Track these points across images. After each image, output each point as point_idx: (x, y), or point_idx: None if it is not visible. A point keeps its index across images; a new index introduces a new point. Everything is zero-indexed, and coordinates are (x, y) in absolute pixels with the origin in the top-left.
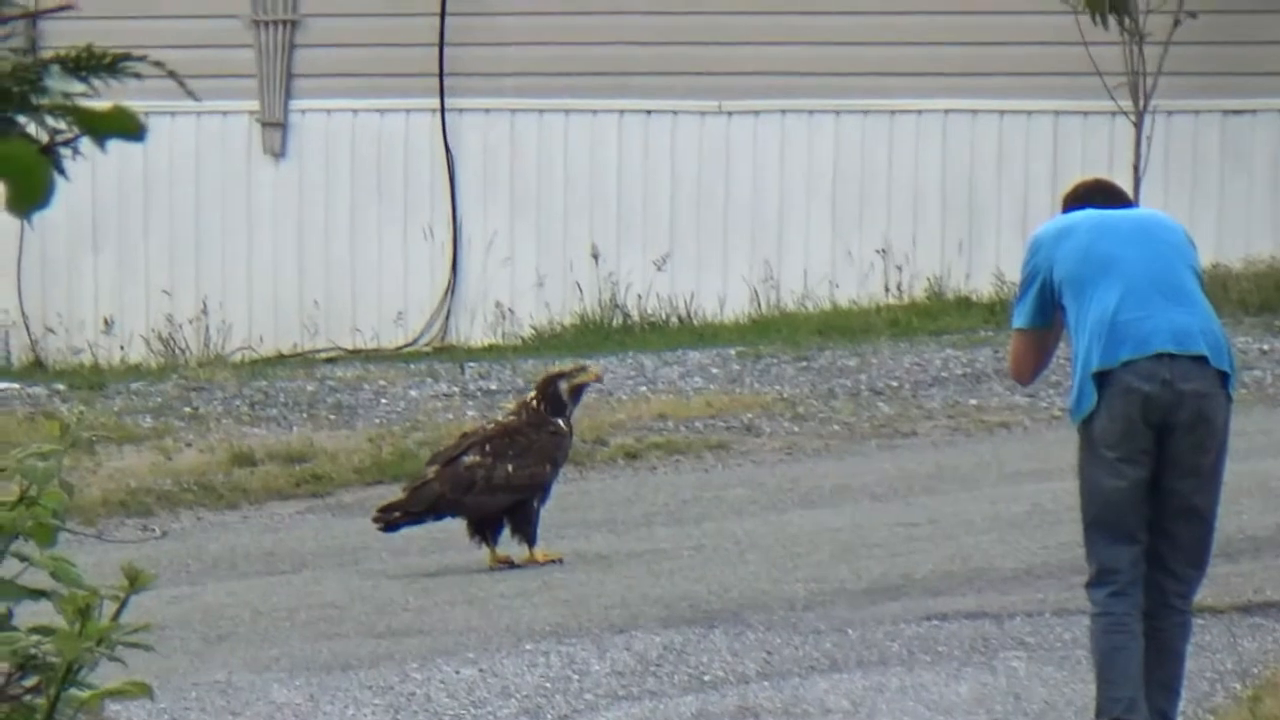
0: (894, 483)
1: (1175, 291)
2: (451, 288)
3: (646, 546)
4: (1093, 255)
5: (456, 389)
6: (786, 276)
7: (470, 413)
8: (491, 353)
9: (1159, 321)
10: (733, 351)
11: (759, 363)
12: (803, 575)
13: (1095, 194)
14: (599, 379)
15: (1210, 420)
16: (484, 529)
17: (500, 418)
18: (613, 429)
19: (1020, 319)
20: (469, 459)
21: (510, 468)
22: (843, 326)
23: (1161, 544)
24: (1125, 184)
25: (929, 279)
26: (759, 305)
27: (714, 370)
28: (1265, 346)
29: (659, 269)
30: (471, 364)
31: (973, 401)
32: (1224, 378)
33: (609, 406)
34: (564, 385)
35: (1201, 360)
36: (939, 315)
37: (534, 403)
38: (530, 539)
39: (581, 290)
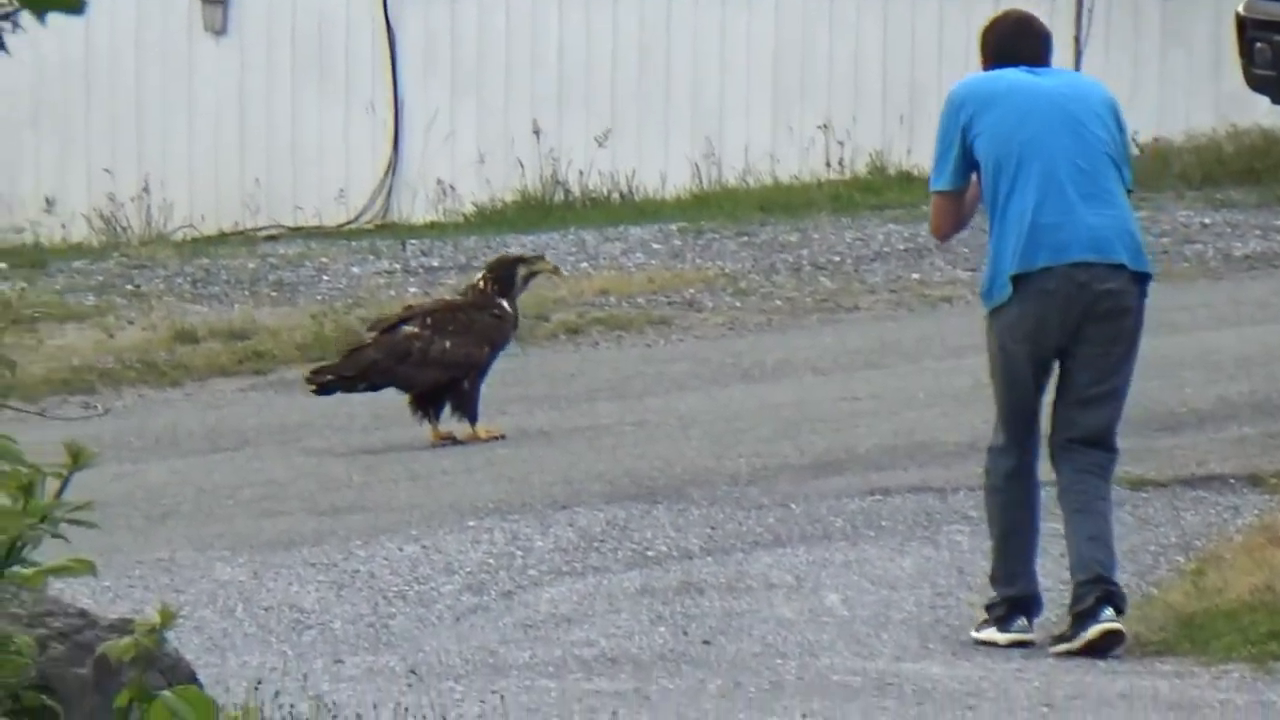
0: (836, 357)
1: (1095, 190)
2: (393, 165)
3: (589, 422)
4: (1014, 138)
5: (398, 266)
6: (728, 153)
7: (412, 289)
8: (433, 230)
9: (1078, 227)
10: (674, 227)
11: (701, 238)
12: (746, 450)
13: (1021, 40)
14: (557, 273)
15: (1120, 319)
16: (425, 405)
17: (447, 296)
18: (555, 305)
19: (939, 181)
20: (408, 329)
21: (448, 344)
22: (784, 202)
23: (1065, 426)
24: (1066, 58)
25: (870, 154)
26: (700, 181)
27: (656, 246)
28: (1206, 220)
29: (600, 145)
30: (413, 241)
31: (915, 276)
32: (1141, 279)
33: (551, 282)
34: (522, 270)
35: (1119, 266)
36: (881, 190)
37: (482, 283)
38: (471, 416)
39: (523, 167)
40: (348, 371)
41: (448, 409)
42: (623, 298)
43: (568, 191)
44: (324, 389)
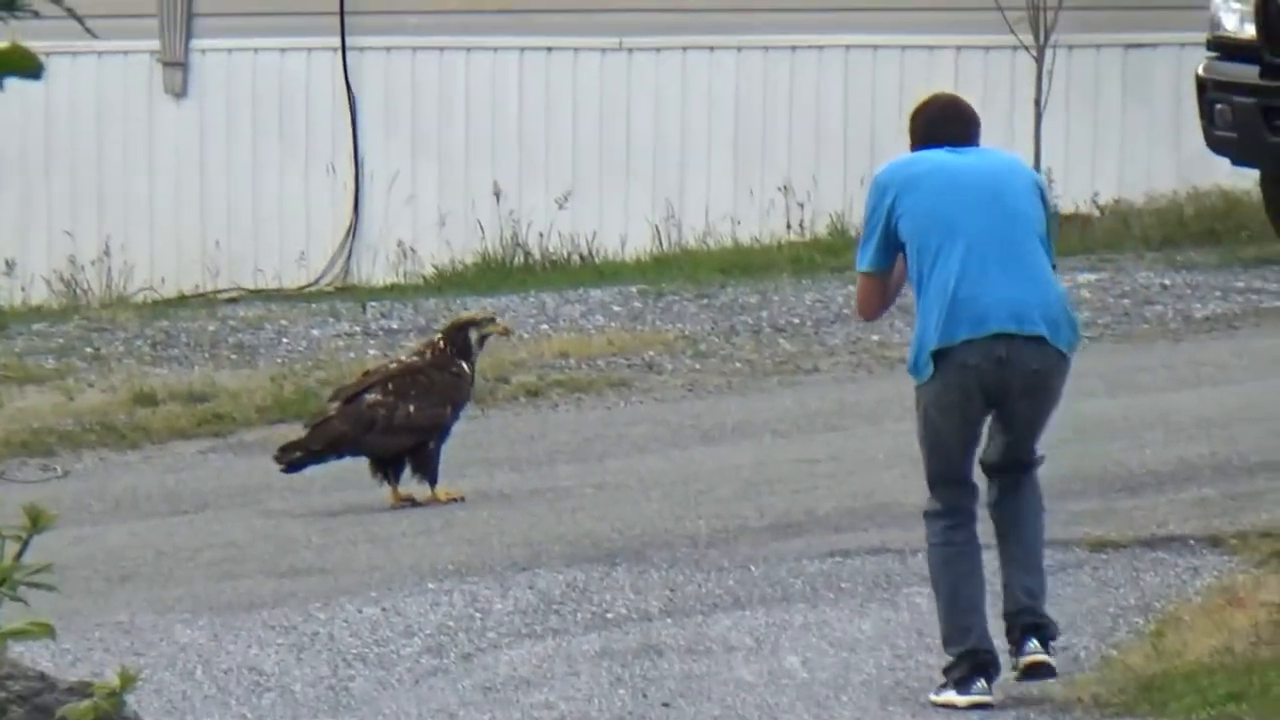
0: (796, 419)
1: (1017, 263)
2: (353, 228)
3: (549, 484)
4: (937, 216)
5: (358, 328)
6: (688, 214)
7: (372, 351)
8: (393, 292)
9: (997, 299)
10: (634, 289)
11: (661, 300)
12: (706, 512)
13: (947, 124)
14: (508, 334)
15: (1043, 391)
16: (385, 468)
17: (404, 357)
18: (514, 367)
19: (863, 262)
20: (371, 397)
21: (412, 408)
22: (745, 264)
23: (992, 454)
24: (1027, 120)
25: (831, 215)
26: (661, 243)
27: (616, 308)
28: (1166, 281)
29: (561, 207)
30: (373, 303)
31: (874, 338)
32: (1062, 352)
33: (510, 345)
34: (474, 334)
35: (1039, 339)
36: (841, 252)
37: (440, 344)
38: (431, 478)
39: (483, 229)
40: (315, 445)
41: (407, 471)
42: (583, 360)
43: (528, 254)
44: (293, 466)
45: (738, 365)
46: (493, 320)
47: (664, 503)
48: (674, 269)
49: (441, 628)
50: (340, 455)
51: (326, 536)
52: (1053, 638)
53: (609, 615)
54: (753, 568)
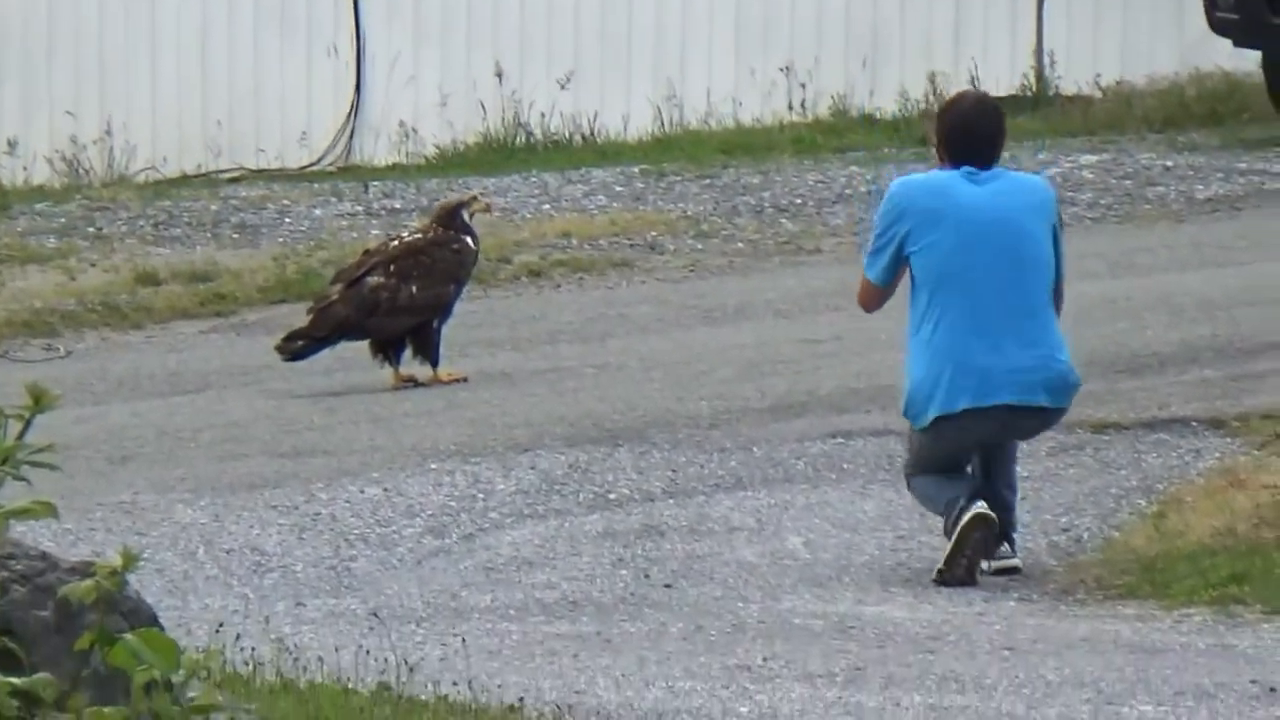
0: (798, 300)
1: (1028, 326)
2: (355, 108)
3: (550, 365)
4: (952, 267)
5: (360, 208)
6: (690, 95)
7: (374, 232)
8: (395, 172)
9: (1005, 370)
10: (636, 170)
11: (663, 181)
12: (707, 393)
13: (973, 140)
14: (489, 210)
15: (1037, 435)
16: (386, 349)
17: (406, 235)
18: (516, 247)
19: (871, 271)
20: (373, 280)
21: (414, 289)
22: (746, 144)
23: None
24: (1030, 8)
25: (833, 97)
26: (662, 124)
27: (618, 189)
28: (1168, 163)
29: (562, 88)
30: (375, 183)
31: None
32: (1061, 408)
33: (513, 225)
34: (464, 214)
35: (1041, 408)
36: (843, 133)
37: (437, 227)
38: (434, 359)
39: (485, 109)
40: (319, 332)
41: (408, 351)
42: (584, 240)
43: (529, 134)
44: (297, 355)
45: (739, 245)
46: (475, 199)
47: (666, 383)
48: (676, 149)
49: (443, 508)
50: (343, 339)
51: (328, 417)
52: (1004, 522)
53: (611, 496)
54: (754, 449)
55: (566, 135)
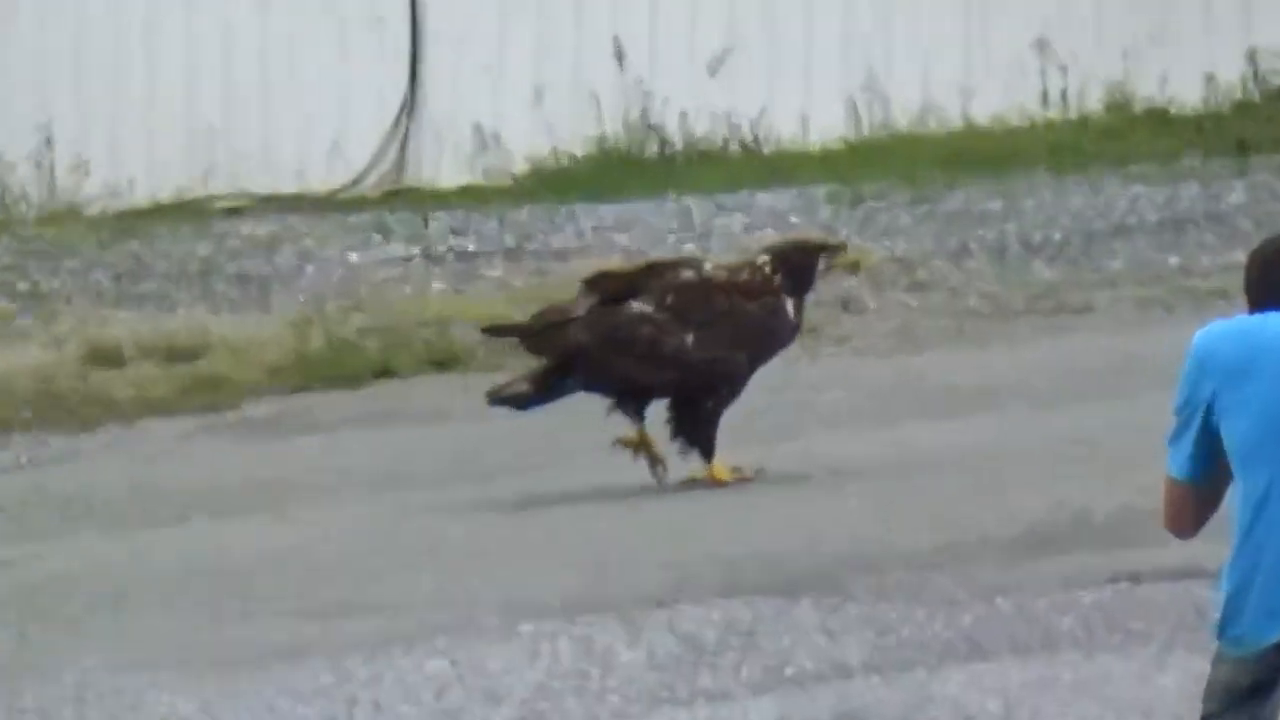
0: (1059, 381)
1: None
2: (409, 105)
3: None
4: (1273, 427)
5: (417, 250)
6: (898, 83)
7: (437, 285)
8: (468, 197)
9: None
10: (821, 192)
11: (859, 207)
12: (927, 518)
13: None
14: (858, 269)
15: None
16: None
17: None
18: None
19: (1175, 465)
20: (638, 306)
21: (690, 338)
22: (982, 154)
23: None
24: None
25: (1108, 84)
26: (859, 125)
27: (793, 219)
28: None
29: (711, 74)
30: (439, 214)
31: (1173, 260)
32: None
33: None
34: (822, 262)
35: None
36: (1123, 134)
37: (766, 267)
38: (704, 445)
39: (600, 105)
40: (553, 358)
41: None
42: None
43: (664, 140)
44: (524, 402)
45: (972, 301)
46: (843, 247)
47: (866, 502)
48: (878, 162)
49: (541, 691)
50: (571, 384)
51: (373, 555)
52: None
53: (788, 671)
54: (998, 599)
55: (719, 141)
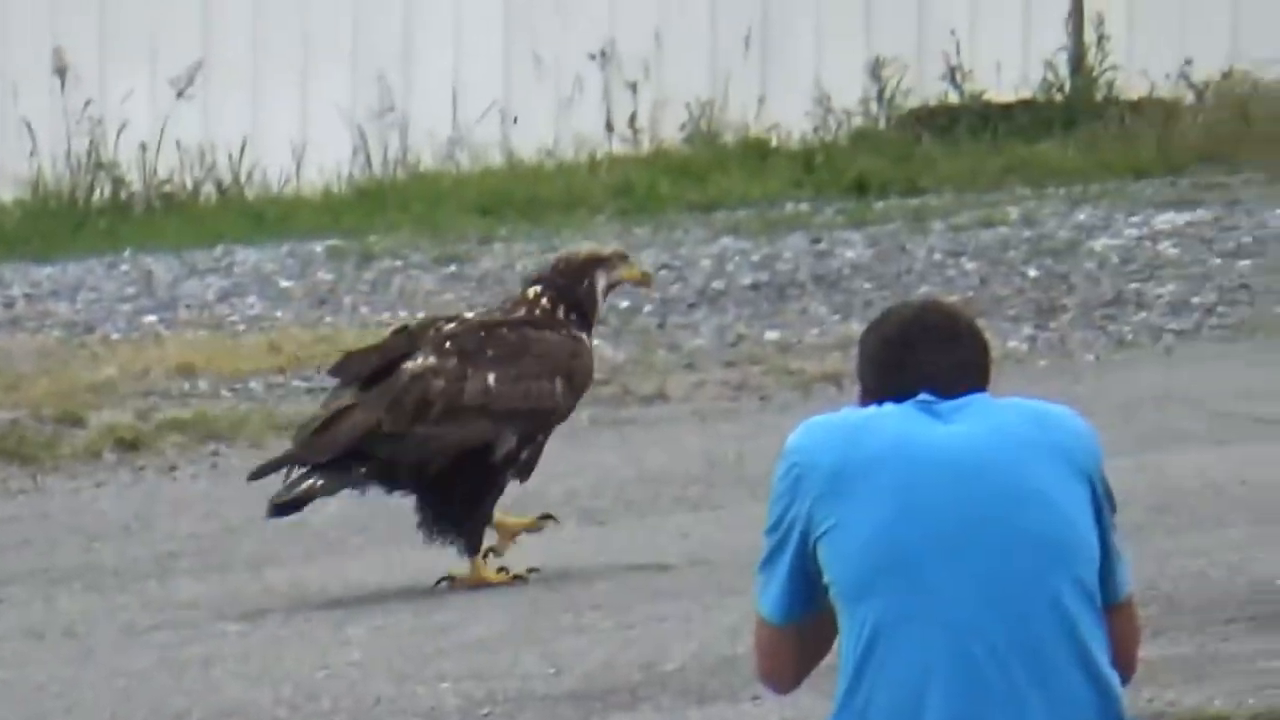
0: (624, 493)
1: (1042, 672)
2: None
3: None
4: (887, 557)
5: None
6: (419, 101)
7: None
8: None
9: None
10: (319, 247)
11: (368, 268)
12: None
13: (921, 350)
14: (648, 283)
15: None
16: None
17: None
18: (93, 395)
19: (766, 602)
20: (416, 364)
21: (491, 378)
22: (523, 197)
23: None
24: None
25: (688, 106)
26: (368, 158)
27: (284, 283)
28: None
29: (179, 93)
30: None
31: (771, 335)
32: None
33: (87, 353)
34: (602, 280)
35: None
36: (706, 173)
37: (544, 299)
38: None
39: (34, 137)
40: (329, 453)
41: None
42: (223, 380)
43: (119, 181)
44: (287, 507)
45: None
46: (623, 258)
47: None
48: (394, 207)
49: None
50: (365, 476)
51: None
52: None
53: None
54: None
55: (189, 184)
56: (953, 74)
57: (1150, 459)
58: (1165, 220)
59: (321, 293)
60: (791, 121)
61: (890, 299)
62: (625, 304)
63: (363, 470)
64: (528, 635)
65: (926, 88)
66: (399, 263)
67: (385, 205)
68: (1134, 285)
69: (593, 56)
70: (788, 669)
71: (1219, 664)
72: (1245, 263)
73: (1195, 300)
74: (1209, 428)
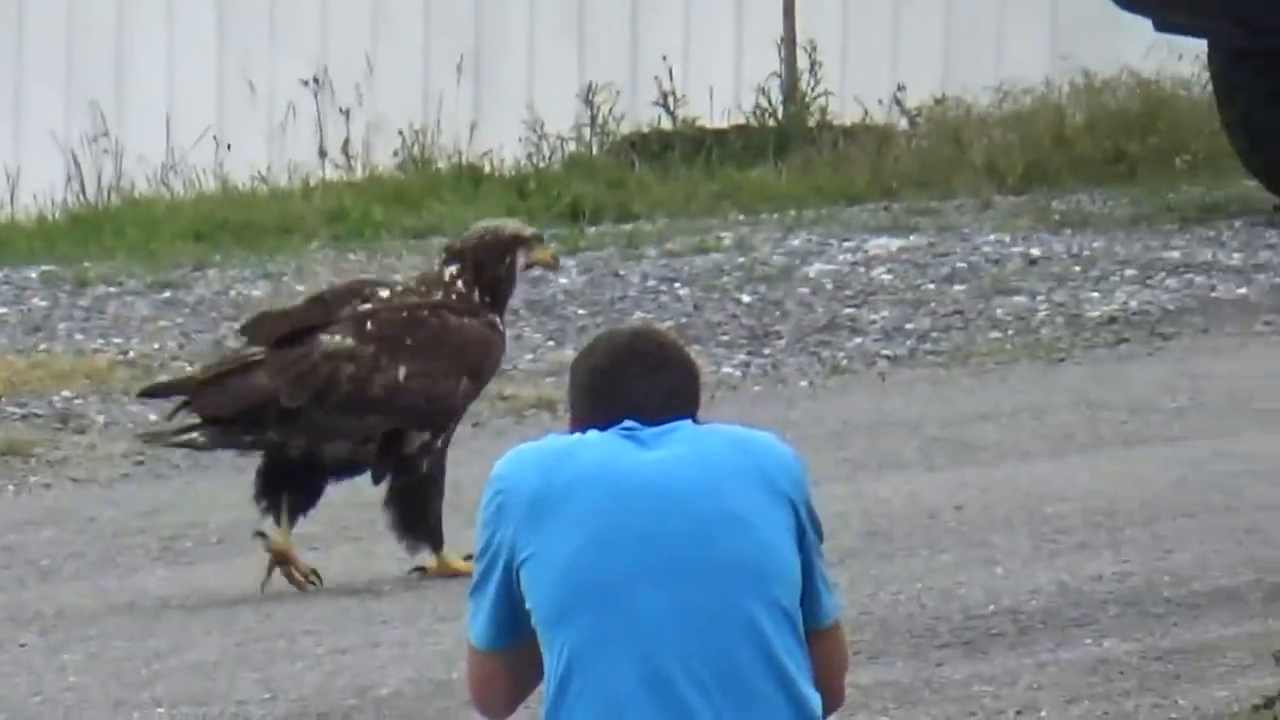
0: (322, 524)
1: (736, 697)
2: None
3: None
4: (583, 584)
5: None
6: (131, 126)
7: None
8: None
9: None
10: (33, 273)
11: (83, 294)
12: None
13: (627, 378)
14: (555, 266)
15: None
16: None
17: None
18: None
19: (475, 629)
20: (329, 340)
21: (402, 372)
22: (238, 223)
23: None
24: None
25: (402, 133)
26: (83, 184)
27: None
28: (1034, 251)
29: None
30: None
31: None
32: None
33: None
34: (522, 258)
35: None
36: (420, 199)
37: (458, 278)
38: (431, 532)
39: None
40: (210, 409)
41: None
42: None
43: None
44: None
45: None
46: (541, 240)
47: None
48: (109, 234)
49: None
50: (251, 441)
51: None
52: None
53: None
54: None
55: None
56: (666, 100)
57: (864, 485)
58: (879, 246)
59: (36, 319)
60: (505, 148)
61: (603, 325)
62: None
63: (249, 440)
64: (243, 660)
65: (640, 114)
66: (114, 289)
67: (100, 231)
68: (848, 311)
69: (305, 83)
70: (499, 695)
71: (933, 689)
72: (959, 288)
73: (909, 326)
74: (922, 454)
